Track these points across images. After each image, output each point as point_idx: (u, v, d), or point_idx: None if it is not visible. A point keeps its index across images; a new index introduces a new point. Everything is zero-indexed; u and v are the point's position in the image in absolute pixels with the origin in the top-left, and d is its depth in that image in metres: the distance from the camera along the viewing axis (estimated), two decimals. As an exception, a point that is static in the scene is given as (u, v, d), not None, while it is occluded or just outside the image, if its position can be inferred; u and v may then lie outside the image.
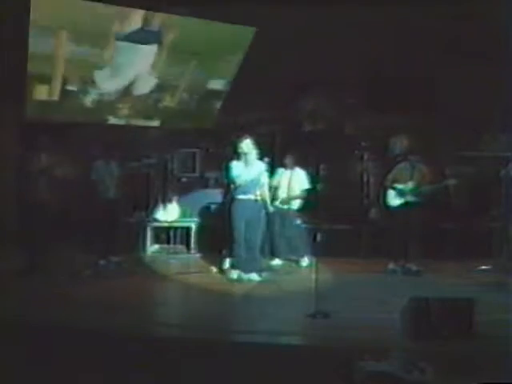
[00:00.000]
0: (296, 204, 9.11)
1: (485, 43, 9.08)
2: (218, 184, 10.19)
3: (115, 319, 5.89)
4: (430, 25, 9.85)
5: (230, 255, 8.07)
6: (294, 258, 8.99)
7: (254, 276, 7.79)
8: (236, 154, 7.58)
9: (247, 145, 7.59)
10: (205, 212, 10.06)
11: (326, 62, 9.93)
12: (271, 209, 8.20)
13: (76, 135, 9.67)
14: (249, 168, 7.61)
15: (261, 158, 7.71)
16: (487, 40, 8.89)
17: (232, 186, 7.74)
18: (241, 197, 7.66)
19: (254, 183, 7.60)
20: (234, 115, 10.37)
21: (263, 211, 7.78)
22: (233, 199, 7.74)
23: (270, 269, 8.52)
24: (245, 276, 7.79)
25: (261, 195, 7.68)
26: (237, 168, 7.63)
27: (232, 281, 7.82)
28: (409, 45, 10.13)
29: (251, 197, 7.65)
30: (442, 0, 8.82)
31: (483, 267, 8.15)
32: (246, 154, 7.56)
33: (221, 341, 5.45)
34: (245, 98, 9.97)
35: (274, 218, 8.71)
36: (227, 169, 7.70)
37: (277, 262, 8.98)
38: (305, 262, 8.93)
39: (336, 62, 10.00)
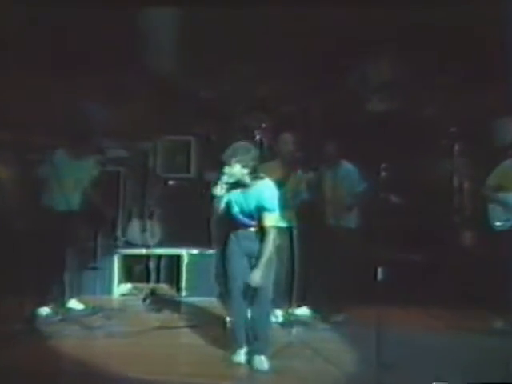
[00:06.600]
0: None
1: None
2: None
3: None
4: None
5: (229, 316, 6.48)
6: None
7: (261, 363, 5.85)
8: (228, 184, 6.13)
9: (235, 170, 6.02)
10: (203, 234, 7.85)
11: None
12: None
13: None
14: (245, 195, 6.08)
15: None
16: None
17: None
18: (237, 231, 6.17)
19: (253, 212, 6.06)
20: (246, 87, 8.40)
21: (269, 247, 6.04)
22: (228, 234, 6.29)
23: (298, 321, 7.16)
24: (248, 358, 5.95)
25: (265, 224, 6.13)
26: (230, 202, 6.12)
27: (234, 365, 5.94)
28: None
29: (251, 229, 6.13)
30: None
31: None
32: (238, 180, 6.02)
33: None
34: (261, 63, 8.12)
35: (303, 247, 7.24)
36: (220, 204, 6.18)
37: (304, 310, 7.51)
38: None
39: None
